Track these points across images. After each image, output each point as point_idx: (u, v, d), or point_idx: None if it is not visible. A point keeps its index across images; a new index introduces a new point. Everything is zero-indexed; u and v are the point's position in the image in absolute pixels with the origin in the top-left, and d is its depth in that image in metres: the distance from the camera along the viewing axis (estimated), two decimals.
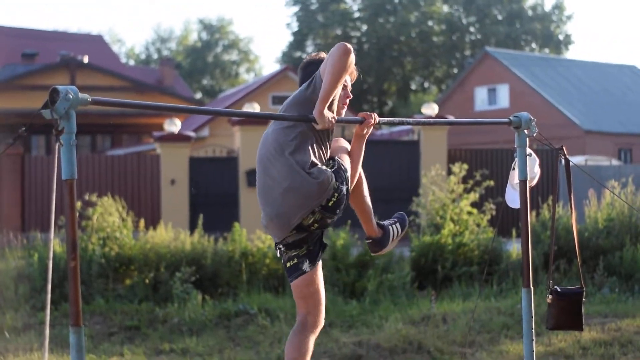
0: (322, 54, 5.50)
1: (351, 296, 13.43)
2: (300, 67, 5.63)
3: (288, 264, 5.38)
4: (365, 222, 5.70)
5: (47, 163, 21.42)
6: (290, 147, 5.15)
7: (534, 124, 5.96)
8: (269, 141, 5.29)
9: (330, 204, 5.15)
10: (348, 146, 5.58)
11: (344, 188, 5.24)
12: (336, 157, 5.39)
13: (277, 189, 5.16)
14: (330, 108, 5.16)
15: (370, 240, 5.75)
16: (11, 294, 12.74)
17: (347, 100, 5.54)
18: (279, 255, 5.46)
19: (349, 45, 5.03)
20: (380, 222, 5.79)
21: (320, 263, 5.46)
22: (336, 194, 5.16)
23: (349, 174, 5.35)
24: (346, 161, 5.40)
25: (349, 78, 5.51)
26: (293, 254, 5.35)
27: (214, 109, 5.28)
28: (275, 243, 5.41)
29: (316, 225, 5.21)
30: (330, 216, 5.20)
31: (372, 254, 6.02)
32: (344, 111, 5.53)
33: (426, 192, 15.93)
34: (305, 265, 5.35)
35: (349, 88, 5.55)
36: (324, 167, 5.20)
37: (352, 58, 5.04)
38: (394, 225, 5.80)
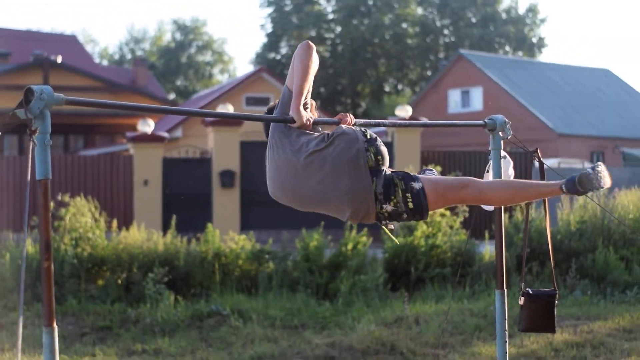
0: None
1: (324, 297, 13.43)
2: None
3: (410, 205, 5.07)
4: None
5: (19, 163, 21.30)
6: (299, 149, 5.08)
7: (508, 127, 5.98)
8: (283, 170, 5.16)
9: (369, 137, 5.09)
10: None
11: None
12: None
13: (329, 180, 5.04)
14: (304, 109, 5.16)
15: None
16: None
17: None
18: (392, 223, 5.21)
19: (310, 42, 5.16)
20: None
21: (422, 174, 5.29)
22: (363, 127, 5.18)
23: None
24: None
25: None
26: (401, 196, 5.05)
27: (188, 109, 5.25)
28: (378, 219, 5.15)
29: (380, 157, 5.05)
30: (379, 143, 5.09)
31: None
32: None
33: None
34: (417, 185, 5.07)
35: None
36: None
37: (315, 55, 5.15)
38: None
